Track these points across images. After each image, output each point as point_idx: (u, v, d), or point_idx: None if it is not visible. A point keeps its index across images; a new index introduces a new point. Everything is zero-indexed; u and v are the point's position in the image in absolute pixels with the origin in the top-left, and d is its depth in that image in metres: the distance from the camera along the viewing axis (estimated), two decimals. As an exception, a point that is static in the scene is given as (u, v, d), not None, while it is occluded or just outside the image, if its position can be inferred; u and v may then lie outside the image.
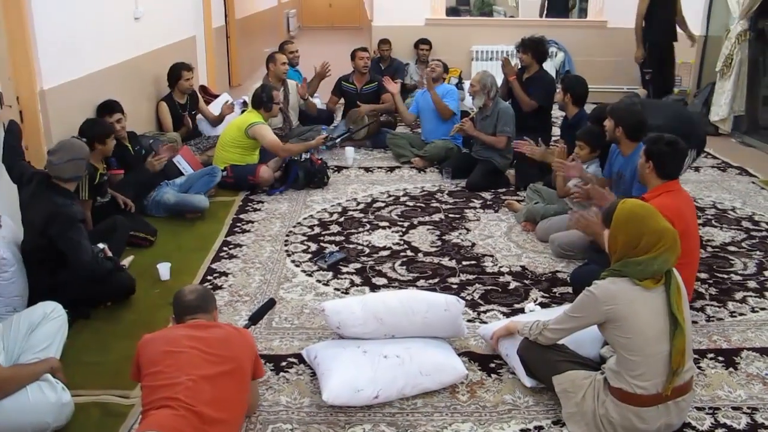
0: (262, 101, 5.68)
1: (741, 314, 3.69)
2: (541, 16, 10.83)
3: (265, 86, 5.87)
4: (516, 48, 6.25)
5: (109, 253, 3.71)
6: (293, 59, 7.42)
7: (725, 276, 4.13)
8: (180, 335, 2.50)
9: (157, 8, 6.22)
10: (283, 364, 3.18)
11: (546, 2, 10.86)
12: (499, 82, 6.22)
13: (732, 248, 4.54)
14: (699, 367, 3.13)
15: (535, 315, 3.31)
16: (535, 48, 6.06)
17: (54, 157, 3.54)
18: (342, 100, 7.15)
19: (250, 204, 5.34)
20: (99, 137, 4.26)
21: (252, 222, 4.96)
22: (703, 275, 4.02)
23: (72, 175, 3.57)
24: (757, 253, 4.48)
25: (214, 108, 6.54)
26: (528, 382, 2.95)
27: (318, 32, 18.46)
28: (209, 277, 4.07)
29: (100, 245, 3.71)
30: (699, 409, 2.86)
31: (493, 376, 3.10)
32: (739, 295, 3.89)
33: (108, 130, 4.38)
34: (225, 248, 4.50)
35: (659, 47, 7.50)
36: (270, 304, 3.33)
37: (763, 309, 3.75)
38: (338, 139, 6.57)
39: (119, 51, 5.41)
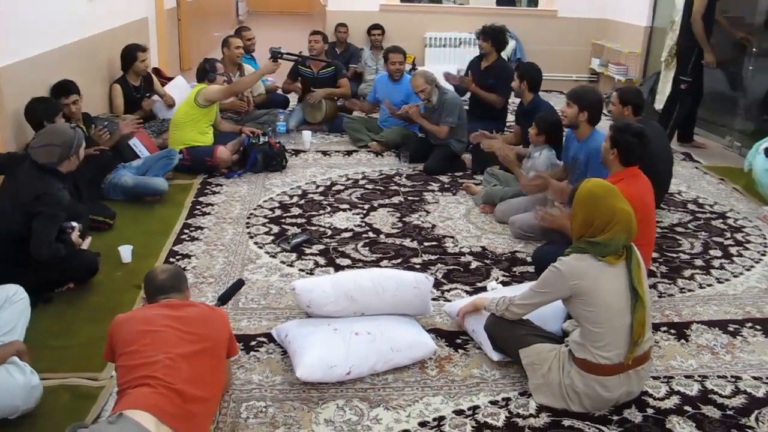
0: (205, 71, 5.75)
1: (690, 290, 3.89)
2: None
3: (207, 59, 5.89)
4: (476, 35, 6.34)
5: (76, 233, 3.67)
6: (249, 46, 7.37)
7: (674, 255, 4.33)
8: (156, 314, 2.50)
9: (109, -13, 6.10)
10: (253, 343, 3.21)
11: None
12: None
13: (679, 229, 4.76)
14: (654, 340, 3.29)
15: (498, 293, 3.41)
16: (495, 36, 6.17)
17: (34, 140, 3.56)
18: (299, 85, 7.12)
19: (208, 187, 5.31)
20: (47, 117, 4.19)
21: (212, 205, 4.94)
22: (654, 254, 4.19)
23: (45, 161, 3.51)
24: (703, 233, 4.70)
25: (170, 90, 6.44)
26: (495, 356, 3.06)
27: (268, 18, 18.24)
28: (172, 260, 4.05)
29: (73, 223, 3.67)
30: (655, 378, 3.02)
31: (461, 351, 3.19)
32: (687, 273, 4.09)
33: (55, 108, 4.30)
34: (186, 231, 4.47)
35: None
36: (239, 284, 3.34)
37: (709, 285, 3.96)
38: (285, 54, 6.22)
39: (73, 30, 5.29)
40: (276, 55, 5.94)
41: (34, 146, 3.53)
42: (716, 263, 4.24)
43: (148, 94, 6.16)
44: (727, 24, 6.79)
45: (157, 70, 7.15)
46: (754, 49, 6.80)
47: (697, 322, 3.53)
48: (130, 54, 5.90)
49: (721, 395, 2.93)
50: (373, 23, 8.81)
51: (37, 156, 3.51)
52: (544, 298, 2.81)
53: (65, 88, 4.62)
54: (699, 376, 3.07)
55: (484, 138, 5.26)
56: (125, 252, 4.01)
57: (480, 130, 5.37)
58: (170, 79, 7.01)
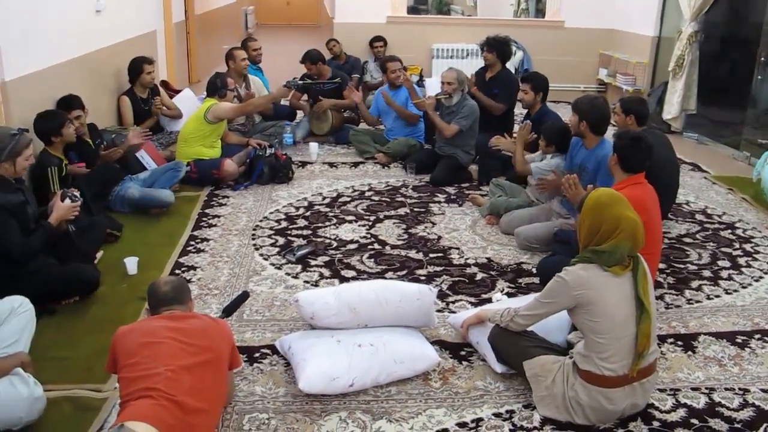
0: (216, 87, 5.75)
1: (697, 301, 3.85)
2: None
3: (218, 73, 5.91)
4: (480, 46, 6.33)
5: (65, 202, 3.63)
6: (256, 57, 7.40)
7: (682, 266, 4.29)
8: (158, 326, 2.50)
9: (118, 1, 6.15)
10: (257, 355, 3.21)
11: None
12: None
13: (687, 240, 4.72)
14: (660, 352, 3.26)
15: (503, 304, 3.39)
16: (500, 48, 6.17)
17: None
18: (305, 96, 7.15)
19: (215, 199, 5.32)
20: (54, 129, 4.22)
21: (218, 216, 4.95)
22: (661, 265, 4.16)
23: None
24: (711, 244, 4.66)
25: (176, 103, 6.47)
26: (499, 368, 3.03)
27: (276, 30, 18.37)
28: (177, 271, 4.05)
29: (75, 192, 3.69)
30: (661, 390, 2.99)
31: (464, 363, 3.17)
32: (695, 284, 4.05)
33: (61, 120, 4.32)
34: (192, 242, 4.48)
35: None
36: (243, 296, 3.33)
37: (717, 296, 3.92)
38: (300, 83, 6.61)
39: (81, 44, 5.33)
40: (291, 86, 6.16)
41: None
42: (724, 274, 4.20)
43: (153, 98, 6.15)
44: None
45: (165, 83, 7.20)
46: (762, 59, 6.78)
47: (705, 334, 3.50)
48: (137, 66, 5.94)
49: (728, 408, 2.90)
50: (375, 35, 8.85)
51: None
52: (549, 308, 2.79)
53: (68, 104, 4.66)
54: (706, 388, 3.04)
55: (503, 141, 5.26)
56: (131, 264, 4.02)
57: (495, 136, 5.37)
58: (178, 91, 7.06)
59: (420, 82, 8.72)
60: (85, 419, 2.75)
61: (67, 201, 3.62)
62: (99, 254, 4.08)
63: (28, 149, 3.62)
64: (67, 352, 3.23)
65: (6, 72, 4.09)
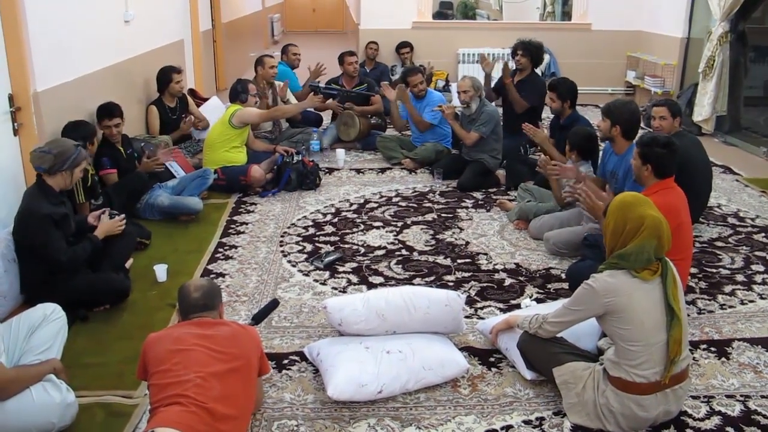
0: (237, 93, 5.82)
1: (731, 306, 3.78)
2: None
3: (240, 80, 5.97)
4: (513, 50, 6.30)
5: (97, 215, 3.85)
6: (294, 61, 7.51)
7: (714, 270, 4.22)
8: (187, 333, 2.52)
9: (146, 11, 6.23)
10: (285, 362, 3.21)
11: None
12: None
13: (719, 243, 4.64)
14: (693, 358, 3.21)
15: (532, 310, 3.36)
16: (535, 53, 6.17)
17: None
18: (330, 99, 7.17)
19: (243, 206, 5.36)
20: (82, 139, 4.27)
21: (246, 223, 4.98)
22: (692, 270, 4.09)
23: (36, 165, 3.57)
24: (744, 247, 4.58)
25: (205, 111, 6.54)
26: (528, 374, 3.01)
27: (302, 37, 18.45)
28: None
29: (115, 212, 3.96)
30: (694, 397, 2.94)
31: (494, 369, 3.15)
32: (728, 289, 3.98)
33: (91, 131, 4.38)
34: (220, 249, 4.52)
35: None
36: (273, 304, 3.34)
37: (751, 301, 3.84)
38: (323, 88, 6.78)
39: (110, 54, 5.41)
40: (315, 90, 6.32)
41: (33, 150, 3.62)
42: (758, 278, 4.12)
43: (183, 115, 6.26)
44: None
45: (192, 91, 7.28)
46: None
47: (739, 340, 3.43)
48: (166, 76, 6.01)
49: (765, 416, 2.83)
50: (401, 41, 8.86)
51: (31, 159, 3.60)
52: (577, 316, 2.76)
53: (109, 111, 4.76)
54: (741, 395, 2.98)
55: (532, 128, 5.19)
56: (160, 271, 4.06)
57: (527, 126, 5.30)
58: (206, 99, 7.13)
59: (446, 87, 8.72)
60: (117, 425, 2.78)
61: (115, 218, 3.86)
62: (129, 262, 4.13)
63: (85, 162, 3.76)
64: (98, 358, 3.27)
65: (38, 82, 4.16)
